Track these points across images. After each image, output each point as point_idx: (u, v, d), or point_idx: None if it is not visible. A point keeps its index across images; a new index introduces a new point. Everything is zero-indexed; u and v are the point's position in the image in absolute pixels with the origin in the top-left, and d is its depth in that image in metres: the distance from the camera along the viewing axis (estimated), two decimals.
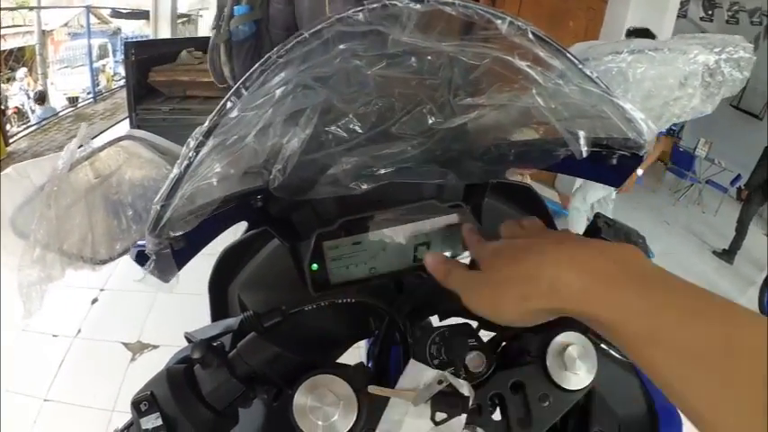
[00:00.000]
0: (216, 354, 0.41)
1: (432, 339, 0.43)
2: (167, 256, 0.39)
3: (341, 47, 0.34)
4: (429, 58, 0.37)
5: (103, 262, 0.49)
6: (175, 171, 0.36)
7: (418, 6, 0.33)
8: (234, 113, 0.35)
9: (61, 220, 0.46)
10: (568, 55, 0.37)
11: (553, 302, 0.31)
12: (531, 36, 0.34)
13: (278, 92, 0.34)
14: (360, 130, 0.39)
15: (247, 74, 0.35)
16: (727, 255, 4.50)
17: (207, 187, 0.35)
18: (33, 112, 7.78)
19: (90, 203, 0.47)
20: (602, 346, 0.50)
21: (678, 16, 4.32)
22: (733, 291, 3.96)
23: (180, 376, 0.41)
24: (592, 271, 0.30)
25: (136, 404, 0.39)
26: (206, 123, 0.36)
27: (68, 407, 2.02)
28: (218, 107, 0.36)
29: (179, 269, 0.43)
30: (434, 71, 0.38)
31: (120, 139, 0.50)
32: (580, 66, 0.37)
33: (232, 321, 0.47)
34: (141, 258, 0.40)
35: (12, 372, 2.08)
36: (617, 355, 0.51)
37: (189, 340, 0.47)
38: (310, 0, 1.69)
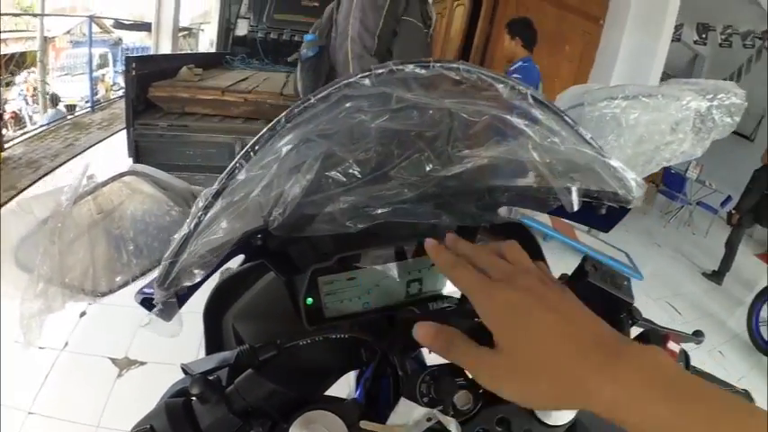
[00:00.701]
0: (213, 389, 0.42)
1: (422, 379, 0.45)
2: (173, 303, 0.40)
3: (347, 105, 0.36)
4: (431, 112, 0.38)
5: (103, 294, 0.49)
6: (184, 230, 0.37)
7: (423, 72, 0.35)
8: (242, 176, 0.36)
9: (64, 255, 0.46)
10: (566, 118, 0.38)
11: (584, 406, 0.31)
12: (530, 100, 0.36)
13: (284, 149, 0.36)
14: (359, 176, 0.41)
15: (257, 137, 0.36)
16: (717, 276, 4.54)
17: (214, 241, 0.36)
18: (31, 117, 7.76)
19: (93, 238, 0.47)
20: None
21: (672, 40, 4.41)
22: (722, 311, 3.99)
23: (179, 410, 0.42)
24: (628, 384, 0.30)
25: None
26: (215, 185, 0.37)
27: (53, 421, 1.98)
28: (228, 170, 0.37)
29: (179, 308, 0.44)
30: (435, 124, 0.40)
31: (122, 174, 0.51)
32: (576, 128, 0.39)
33: (228, 355, 0.47)
34: (146, 303, 0.41)
35: None
36: None
37: (185, 371, 0.47)
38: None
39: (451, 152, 0.40)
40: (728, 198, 5.65)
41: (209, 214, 0.37)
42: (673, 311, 3.64)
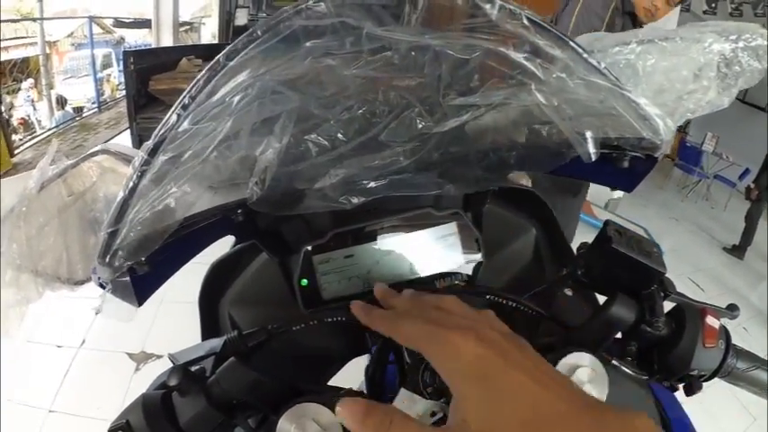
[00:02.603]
0: (193, 380, 0.38)
1: (424, 367, 0.40)
2: (126, 284, 0.36)
3: (308, 44, 0.30)
4: (412, 53, 0.32)
5: (81, 282, 0.46)
6: (121, 194, 0.32)
7: None
8: (184, 126, 0.31)
9: (33, 241, 0.43)
10: (571, 43, 0.32)
11: None
12: (525, 22, 0.30)
13: (236, 99, 0.31)
14: (343, 138, 0.36)
15: (192, 83, 0.31)
16: (738, 250, 4.43)
17: (164, 209, 0.31)
18: (39, 122, 7.86)
19: (64, 222, 0.44)
20: (614, 362, 0.46)
21: (681, 10, 4.26)
22: (744, 287, 3.90)
23: (156, 404, 0.38)
24: None
25: None
26: (151, 140, 0.32)
27: (73, 418, 2.00)
28: (163, 121, 0.32)
29: (153, 291, 0.41)
30: (419, 68, 0.34)
31: (93, 153, 0.47)
32: (585, 55, 0.33)
33: (216, 342, 0.44)
34: (101, 283, 0.37)
35: (16, 383, 2.07)
36: (630, 372, 0.48)
37: (172, 360, 0.44)
38: None
39: (444, 102, 0.35)
40: (746, 171, 5.51)
41: (148, 174, 0.32)
42: (695, 287, 3.56)
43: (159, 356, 2.26)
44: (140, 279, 0.37)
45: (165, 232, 0.33)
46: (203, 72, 0.31)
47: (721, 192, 5.85)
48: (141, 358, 2.27)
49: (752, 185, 4.46)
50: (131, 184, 0.32)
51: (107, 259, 0.34)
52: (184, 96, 0.32)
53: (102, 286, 0.37)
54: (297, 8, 0.30)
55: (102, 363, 2.28)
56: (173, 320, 2.38)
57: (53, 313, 2.44)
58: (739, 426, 2.41)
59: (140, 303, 0.39)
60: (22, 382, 2.11)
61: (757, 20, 6.31)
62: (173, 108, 0.32)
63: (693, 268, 3.91)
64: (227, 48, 0.31)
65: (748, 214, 4.41)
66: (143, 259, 0.35)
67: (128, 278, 0.36)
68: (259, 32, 0.30)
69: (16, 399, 2.03)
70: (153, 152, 0.32)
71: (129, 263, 0.34)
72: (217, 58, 0.31)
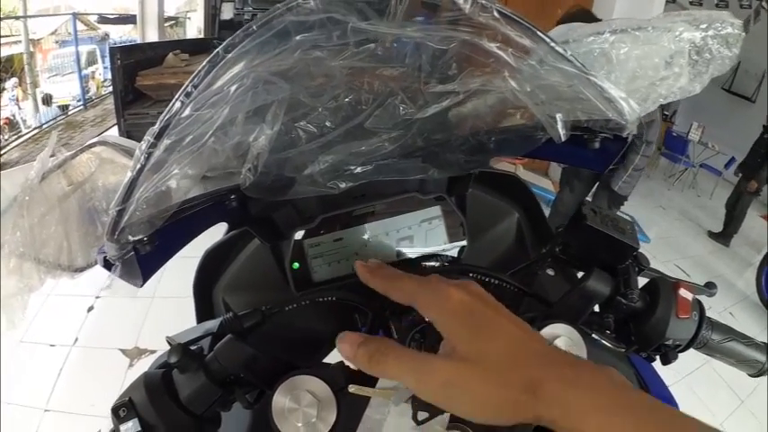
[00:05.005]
0: (193, 357, 0.40)
1: (411, 337, 0.42)
2: (132, 262, 0.38)
3: (298, 38, 0.33)
4: (395, 45, 0.35)
5: (81, 269, 0.48)
6: (129, 174, 0.35)
7: None
8: (186, 112, 0.34)
9: (35, 230, 0.45)
10: (539, 33, 0.35)
11: (542, 415, 0.28)
12: (496, 14, 0.33)
13: (232, 88, 0.33)
14: (331, 125, 0.38)
15: (195, 72, 0.34)
16: (723, 237, 4.50)
17: (167, 189, 0.34)
18: (24, 121, 7.73)
19: (64, 211, 0.46)
20: (594, 336, 0.49)
21: (667, 2, 4.30)
22: (731, 273, 3.97)
23: (157, 381, 0.40)
24: (592, 391, 0.28)
25: (115, 410, 0.39)
26: (156, 125, 0.34)
27: (69, 416, 2.01)
28: (168, 107, 0.34)
29: (153, 272, 0.43)
30: (401, 59, 0.36)
31: (92, 145, 0.49)
32: (552, 44, 0.36)
33: (212, 324, 0.46)
34: (108, 264, 0.39)
35: (11, 383, 2.07)
36: (609, 345, 0.50)
37: (171, 344, 0.46)
38: None
39: (424, 89, 0.37)
40: (732, 159, 5.59)
41: (154, 156, 0.35)
42: (682, 274, 3.63)
43: (153, 351, 2.26)
44: (143, 258, 0.39)
45: (168, 211, 0.35)
46: (204, 63, 0.33)
47: (707, 180, 5.94)
48: (134, 354, 2.28)
49: (738, 174, 4.49)
50: (139, 165, 0.35)
51: (115, 236, 0.36)
52: (187, 85, 0.34)
53: (107, 266, 0.39)
54: (289, 5, 0.33)
55: (95, 360, 2.28)
56: (165, 316, 2.39)
57: (45, 312, 2.44)
58: (727, 408, 2.47)
59: (143, 282, 0.41)
60: (16, 382, 2.11)
61: (743, 11, 6.38)
62: (177, 95, 0.34)
63: (680, 255, 3.98)
64: (226, 41, 0.33)
65: (736, 203, 4.46)
66: (146, 238, 0.37)
67: (133, 255, 0.38)
68: (254, 27, 0.33)
69: (12, 399, 2.03)
70: (158, 136, 0.34)
71: (136, 238, 0.36)
72: (217, 50, 0.33)
